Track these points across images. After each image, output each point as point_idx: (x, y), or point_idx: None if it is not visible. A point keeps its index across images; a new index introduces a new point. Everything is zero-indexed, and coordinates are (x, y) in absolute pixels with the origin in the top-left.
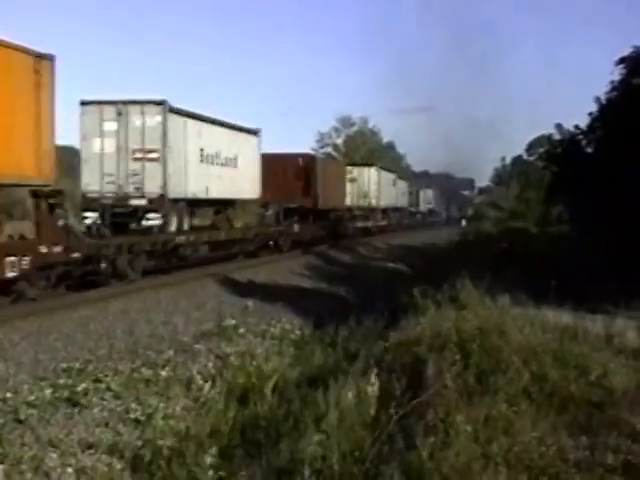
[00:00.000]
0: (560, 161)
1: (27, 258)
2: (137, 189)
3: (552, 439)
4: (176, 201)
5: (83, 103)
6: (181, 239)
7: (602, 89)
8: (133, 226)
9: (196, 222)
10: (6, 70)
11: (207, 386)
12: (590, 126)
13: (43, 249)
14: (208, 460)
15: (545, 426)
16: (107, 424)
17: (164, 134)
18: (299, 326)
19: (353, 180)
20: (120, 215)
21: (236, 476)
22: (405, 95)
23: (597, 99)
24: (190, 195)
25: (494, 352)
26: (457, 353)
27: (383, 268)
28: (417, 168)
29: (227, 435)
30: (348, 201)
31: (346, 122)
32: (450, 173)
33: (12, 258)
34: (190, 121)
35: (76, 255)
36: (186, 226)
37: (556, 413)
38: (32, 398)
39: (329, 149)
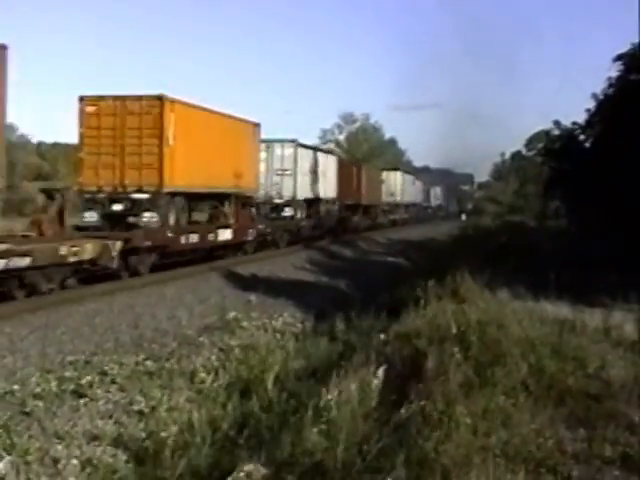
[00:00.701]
0: (558, 156)
1: (253, 230)
2: (277, 193)
3: (550, 431)
4: (299, 200)
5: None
6: (303, 224)
7: (599, 86)
8: (273, 215)
9: (309, 212)
10: None
11: (210, 378)
12: (588, 122)
13: (258, 226)
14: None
15: (543, 418)
16: (112, 416)
17: (294, 159)
18: (301, 319)
19: (382, 182)
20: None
21: (237, 469)
22: (408, 92)
23: (594, 95)
24: (305, 196)
25: (493, 345)
26: (456, 346)
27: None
28: (418, 163)
29: (228, 427)
30: (381, 199)
31: (348, 119)
32: (450, 168)
33: (251, 230)
34: (303, 150)
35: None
36: (304, 215)
37: (554, 405)
38: (39, 390)
39: (331, 145)
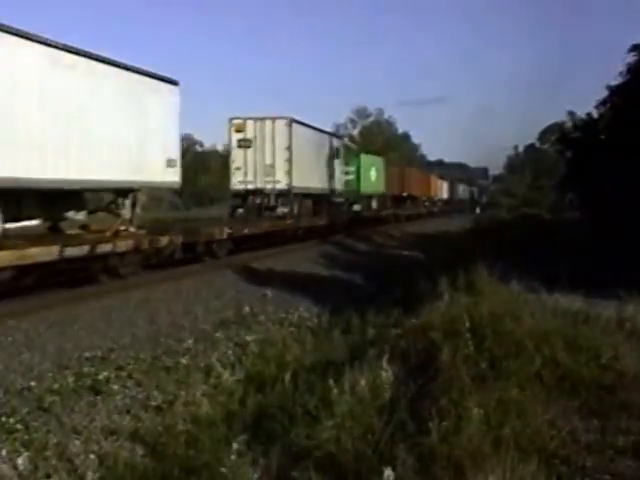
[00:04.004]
0: (576, 145)
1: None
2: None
3: (563, 422)
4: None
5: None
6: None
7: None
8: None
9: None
10: None
11: (226, 373)
12: (603, 113)
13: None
14: (235, 446)
15: (556, 409)
16: (129, 411)
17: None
18: (317, 313)
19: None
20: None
21: (254, 462)
22: (421, 85)
23: (608, 87)
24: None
25: (507, 337)
26: (470, 338)
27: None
28: (432, 157)
29: (244, 421)
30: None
31: (362, 113)
32: (464, 162)
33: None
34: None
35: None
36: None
37: (568, 397)
38: (56, 386)
39: (345, 140)
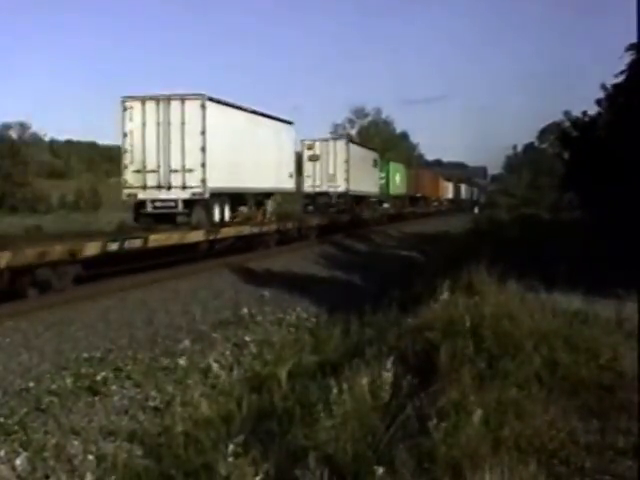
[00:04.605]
0: (575, 145)
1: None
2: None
3: (563, 423)
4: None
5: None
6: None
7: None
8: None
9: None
10: None
11: (224, 374)
12: (600, 112)
13: None
14: (231, 447)
15: (556, 410)
16: (127, 412)
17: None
18: (315, 314)
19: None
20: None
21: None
22: (420, 84)
23: (603, 86)
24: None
25: (506, 337)
26: (469, 339)
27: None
28: (430, 157)
29: (242, 421)
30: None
31: (360, 113)
32: (463, 162)
33: None
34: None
35: None
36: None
37: (567, 397)
38: (54, 387)
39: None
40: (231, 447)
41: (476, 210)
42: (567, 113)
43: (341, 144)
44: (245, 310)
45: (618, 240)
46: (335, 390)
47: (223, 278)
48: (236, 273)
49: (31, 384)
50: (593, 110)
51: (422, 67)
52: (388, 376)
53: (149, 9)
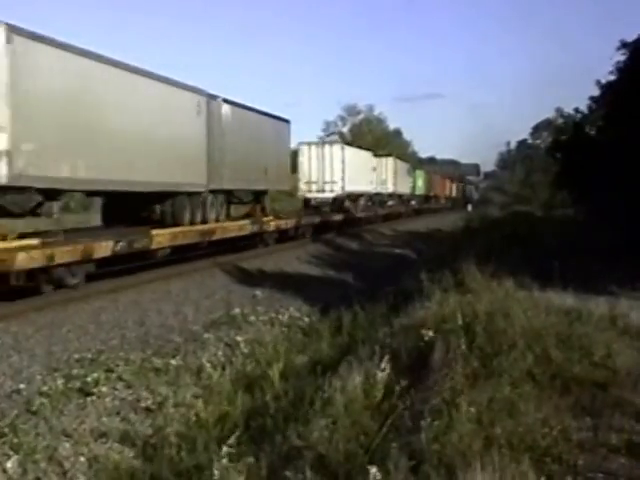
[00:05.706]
0: (566, 148)
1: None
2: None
3: (556, 420)
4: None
5: None
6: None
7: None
8: None
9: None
10: None
11: (216, 374)
12: (593, 109)
13: None
14: (225, 449)
15: (549, 408)
16: (119, 413)
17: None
18: (307, 313)
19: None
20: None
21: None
22: (413, 81)
23: (598, 83)
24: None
25: (498, 335)
26: (462, 337)
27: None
28: (423, 154)
29: (234, 422)
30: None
31: (352, 110)
32: (456, 159)
33: None
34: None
35: None
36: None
37: (560, 395)
38: (45, 389)
39: (335, 137)
40: (225, 449)
41: (469, 208)
42: (559, 110)
43: (391, 160)
44: (237, 310)
45: (611, 236)
46: (328, 389)
47: (215, 278)
48: (228, 273)
49: (22, 386)
50: (587, 106)
51: (415, 64)
52: (381, 375)
53: (144, 7)
